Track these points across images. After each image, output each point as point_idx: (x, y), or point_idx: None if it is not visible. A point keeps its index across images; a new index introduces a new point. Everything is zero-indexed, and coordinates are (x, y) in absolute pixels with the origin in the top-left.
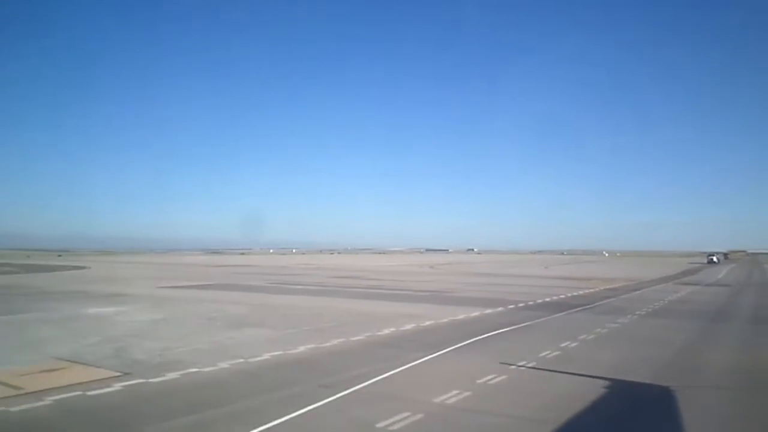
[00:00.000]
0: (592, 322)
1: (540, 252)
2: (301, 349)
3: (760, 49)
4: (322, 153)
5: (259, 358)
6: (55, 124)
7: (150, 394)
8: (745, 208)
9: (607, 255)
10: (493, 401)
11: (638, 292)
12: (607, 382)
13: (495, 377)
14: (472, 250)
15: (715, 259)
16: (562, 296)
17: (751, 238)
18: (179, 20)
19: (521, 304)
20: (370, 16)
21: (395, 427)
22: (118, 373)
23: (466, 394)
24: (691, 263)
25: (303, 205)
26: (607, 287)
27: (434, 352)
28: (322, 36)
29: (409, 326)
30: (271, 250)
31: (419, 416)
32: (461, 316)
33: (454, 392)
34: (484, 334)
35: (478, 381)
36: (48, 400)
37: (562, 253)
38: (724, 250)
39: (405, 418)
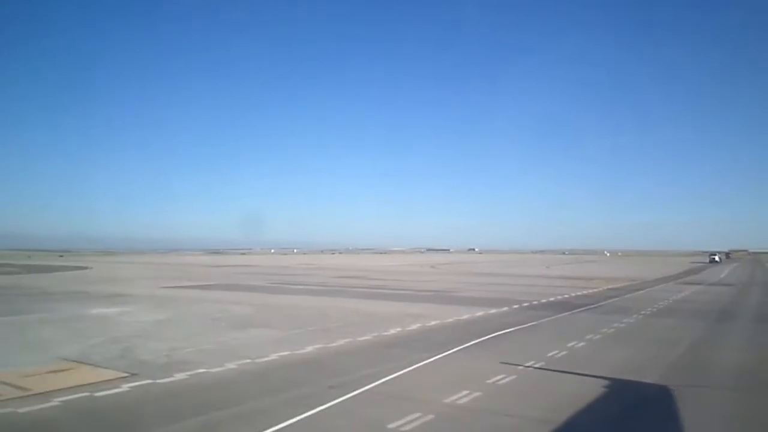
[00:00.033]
0: (598, 321)
1: (541, 252)
2: (309, 349)
3: (760, 49)
4: (323, 153)
5: (266, 359)
6: (56, 124)
7: (158, 394)
8: (747, 207)
9: (608, 255)
10: (504, 401)
11: (642, 291)
12: (615, 383)
13: (504, 377)
14: (473, 249)
15: (717, 258)
16: (566, 296)
17: (752, 238)
18: (179, 20)
19: (525, 304)
20: (370, 16)
21: (407, 427)
22: (126, 374)
23: (477, 394)
24: (693, 263)
25: (303, 205)
26: (611, 287)
27: (442, 352)
28: (322, 36)
29: (414, 326)
30: (272, 250)
31: (430, 417)
32: (466, 316)
33: (465, 392)
34: (490, 334)
35: (488, 381)
36: (55, 401)
37: (563, 253)
38: (726, 250)
39: (416, 418)
